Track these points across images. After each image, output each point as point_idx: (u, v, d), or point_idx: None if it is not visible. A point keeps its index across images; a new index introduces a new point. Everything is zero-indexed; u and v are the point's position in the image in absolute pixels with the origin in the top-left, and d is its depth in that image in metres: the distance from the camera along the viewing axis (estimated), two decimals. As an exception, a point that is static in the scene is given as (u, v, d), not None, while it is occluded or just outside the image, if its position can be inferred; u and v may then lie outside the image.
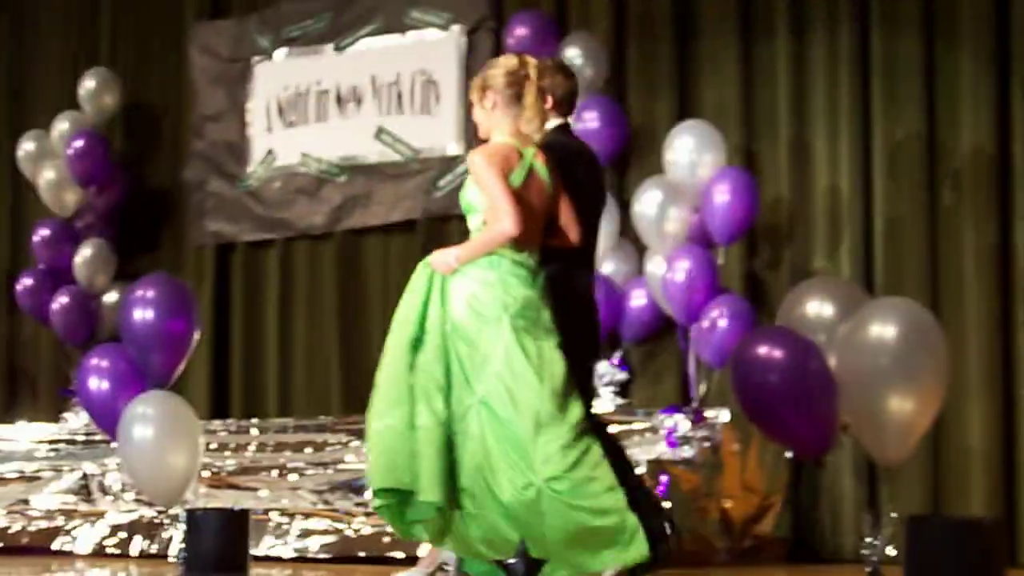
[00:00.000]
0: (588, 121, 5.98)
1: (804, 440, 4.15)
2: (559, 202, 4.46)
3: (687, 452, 5.26)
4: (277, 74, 7.15)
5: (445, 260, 4.30)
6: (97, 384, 4.79)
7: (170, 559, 5.54)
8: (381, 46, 6.84)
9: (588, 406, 4.36)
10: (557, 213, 4.46)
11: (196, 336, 4.77)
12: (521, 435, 4.10)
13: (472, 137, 6.29)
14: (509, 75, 4.44)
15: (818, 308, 4.16)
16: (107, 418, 4.73)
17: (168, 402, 4.60)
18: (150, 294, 4.73)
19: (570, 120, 4.67)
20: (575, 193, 4.47)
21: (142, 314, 4.70)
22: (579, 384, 4.30)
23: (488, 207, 4.33)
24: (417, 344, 4.32)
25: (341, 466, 5.82)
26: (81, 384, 4.85)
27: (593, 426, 4.25)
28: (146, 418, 4.51)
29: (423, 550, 4.72)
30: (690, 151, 5.72)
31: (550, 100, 4.57)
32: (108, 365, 4.77)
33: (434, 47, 6.66)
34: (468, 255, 4.29)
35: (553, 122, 4.60)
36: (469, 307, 4.27)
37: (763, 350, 4.08)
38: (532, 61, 4.48)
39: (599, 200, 4.67)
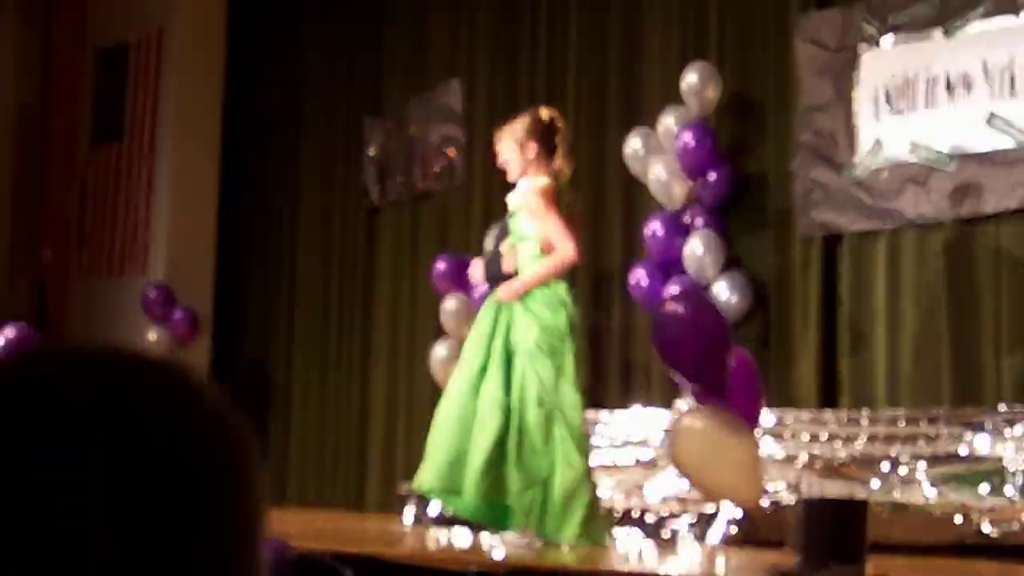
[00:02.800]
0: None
1: None
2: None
3: None
4: (884, 62, 7.21)
5: (512, 288, 5.78)
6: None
7: (785, 547, 5.82)
8: (993, 28, 6.76)
9: None
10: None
11: (729, 350, 4.89)
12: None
13: None
14: (549, 125, 5.97)
15: None
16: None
17: (696, 420, 4.76)
18: (680, 310, 4.88)
19: None
20: None
21: (672, 332, 4.92)
22: None
23: (545, 237, 5.77)
24: (483, 373, 5.74)
25: (954, 458, 5.86)
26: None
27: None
28: (693, 431, 4.68)
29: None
30: None
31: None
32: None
33: (1050, 28, 6.54)
34: (533, 281, 5.76)
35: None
36: (541, 330, 5.72)
37: None
38: (557, 114, 6.07)
39: None
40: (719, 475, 4.68)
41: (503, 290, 5.82)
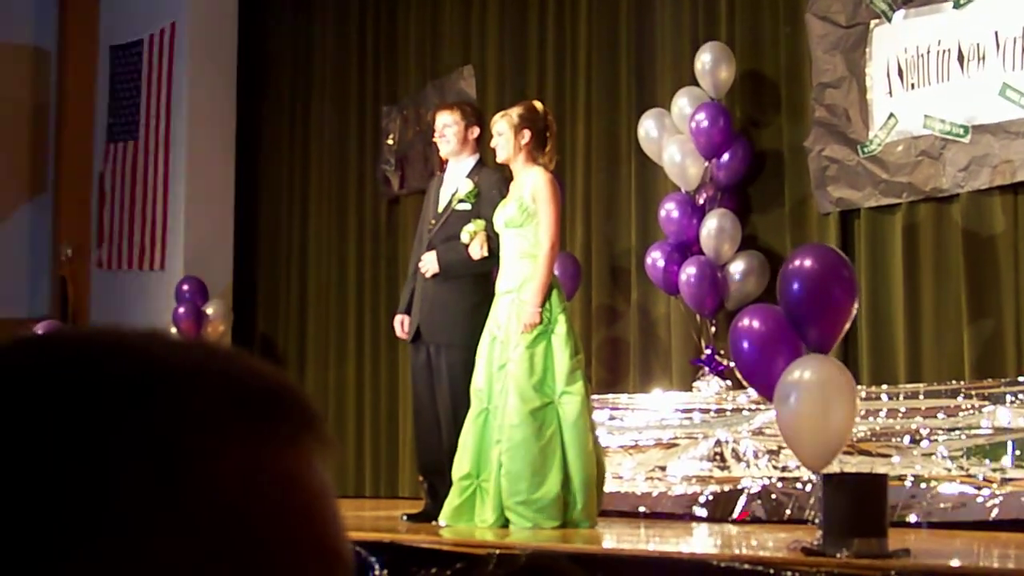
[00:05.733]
0: None
1: None
2: None
3: None
4: (896, 36, 7.17)
5: (532, 315, 5.89)
6: (747, 345, 4.97)
7: (808, 523, 5.80)
8: (1003, 0, 6.72)
9: None
10: None
11: (855, 306, 4.82)
12: None
13: None
14: (543, 117, 6.18)
15: None
16: (759, 378, 4.91)
17: (825, 366, 4.69)
18: (807, 263, 4.85)
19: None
20: None
21: (799, 283, 4.80)
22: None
23: (547, 229, 5.98)
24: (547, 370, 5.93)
25: (975, 431, 5.84)
26: (734, 344, 5.06)
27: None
28: (803, 382, 4.61)
29: None
30: None
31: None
32: (759, 326, 4.94)
33: (1062, -4, 6.48)
34: (540, 293, 5.94)
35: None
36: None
37: None
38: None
39: None
40: (817, 428, 4.58)
41: (526, 323, 5.94)
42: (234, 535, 0.64)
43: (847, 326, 4.88)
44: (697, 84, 7.85)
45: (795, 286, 4.75)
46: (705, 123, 7.63)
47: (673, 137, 7.86)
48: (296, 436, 0.69)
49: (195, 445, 0.64)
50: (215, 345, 0.72)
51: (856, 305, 4.88)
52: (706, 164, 7.76)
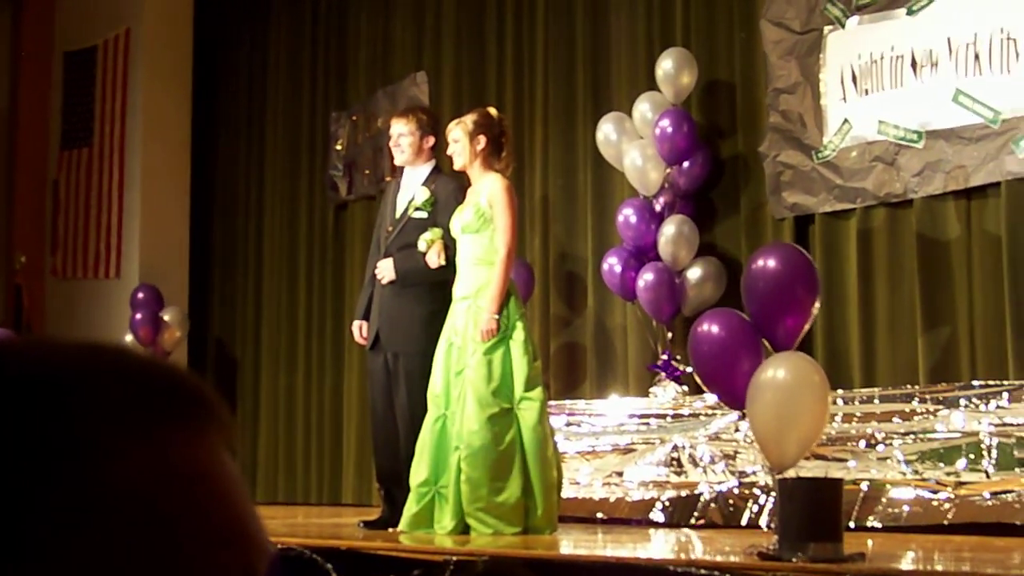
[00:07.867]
0: None
1: None
2: None
3: None
4: (849, 42, 7.20)
5: (490, 324, 5.89)
6: (708, 349, 4.93)
7: (763, 528, 5.82)
8: (956, 6, 6.75)
9: None
10: None
11: (816, 303, 4.82)
12: None
13: None
14: (498, 124, 6.24)
15: None
16: (719, 383, 4.89)
17: (797, 364, 4.68)
18: (771, 262, 4.85)
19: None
20: None
21: (763, 281, 4.80)
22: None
23: (504, 236, 6.00)
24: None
25: (930, 435, 5.86)
26: (693, 350, 5.04)
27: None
28: (775, 381, 4.59)
29: None
30: None
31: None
32: (718, 331, 4.91)
33: (1013, 3, 6.51)
34: (497, 299, 5.94)
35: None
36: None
37: None
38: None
39: None
40: (788, 428, 4.56)
41: (484, 331, 5.93)
42: (148, 528, 0.66)
43: (808, 323, 4.87)
44: (655, 89, 7.85)
45: (760, 284, 4.76)
46: (669, 129, 7.61)
47: (634, 142, 7.84)
48: (199, 426, 0.71)
49: (101, 444, 0.65)
50: (104, 345, 0.72)
51: (817, 303, 4.88)
52: (667, 170, 7.75)
